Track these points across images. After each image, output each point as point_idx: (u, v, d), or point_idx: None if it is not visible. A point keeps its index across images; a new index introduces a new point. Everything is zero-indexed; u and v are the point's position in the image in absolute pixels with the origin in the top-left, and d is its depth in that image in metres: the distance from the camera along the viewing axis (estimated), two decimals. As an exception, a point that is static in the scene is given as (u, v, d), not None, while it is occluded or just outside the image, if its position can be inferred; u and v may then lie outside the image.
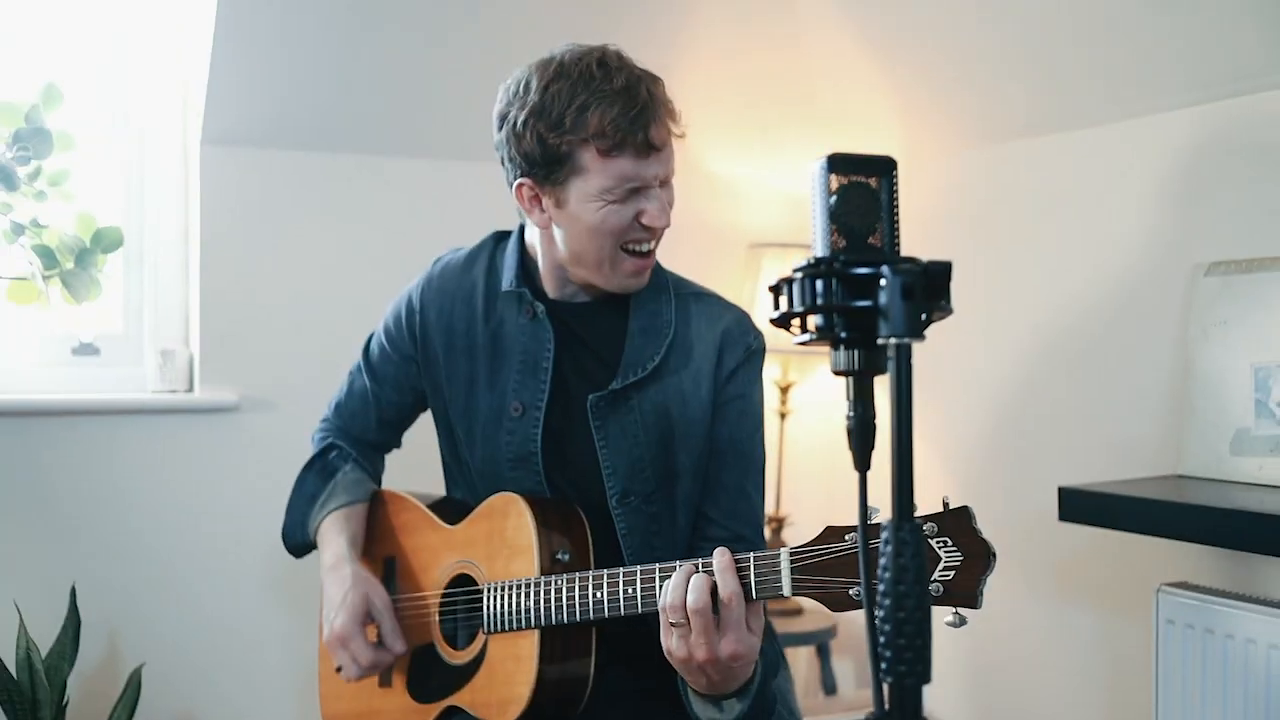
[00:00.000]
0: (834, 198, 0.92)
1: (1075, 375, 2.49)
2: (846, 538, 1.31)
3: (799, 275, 0.90)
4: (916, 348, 2.83)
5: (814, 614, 2.99)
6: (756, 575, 1.37)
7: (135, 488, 2.56)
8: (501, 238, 1.81)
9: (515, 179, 1.63)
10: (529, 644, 1.57)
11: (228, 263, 2.64)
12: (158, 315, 2.70)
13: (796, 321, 0.92)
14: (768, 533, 3.02)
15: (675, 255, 3.05)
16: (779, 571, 1.35)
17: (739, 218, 3.13)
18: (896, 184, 0.94)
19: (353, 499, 1.84)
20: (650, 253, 1.65)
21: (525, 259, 1.73)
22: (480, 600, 1.64)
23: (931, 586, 1.22)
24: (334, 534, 1.78)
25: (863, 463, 0.91)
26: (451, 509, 1.79)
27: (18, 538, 2.46)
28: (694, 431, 1.68)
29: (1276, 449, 2.02)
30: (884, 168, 0.93)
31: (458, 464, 1.82)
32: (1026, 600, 2.59)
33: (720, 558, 1.37)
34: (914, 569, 0.84)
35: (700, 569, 1.39)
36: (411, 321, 1.80)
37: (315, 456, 1.90)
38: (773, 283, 0.93)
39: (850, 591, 1.28)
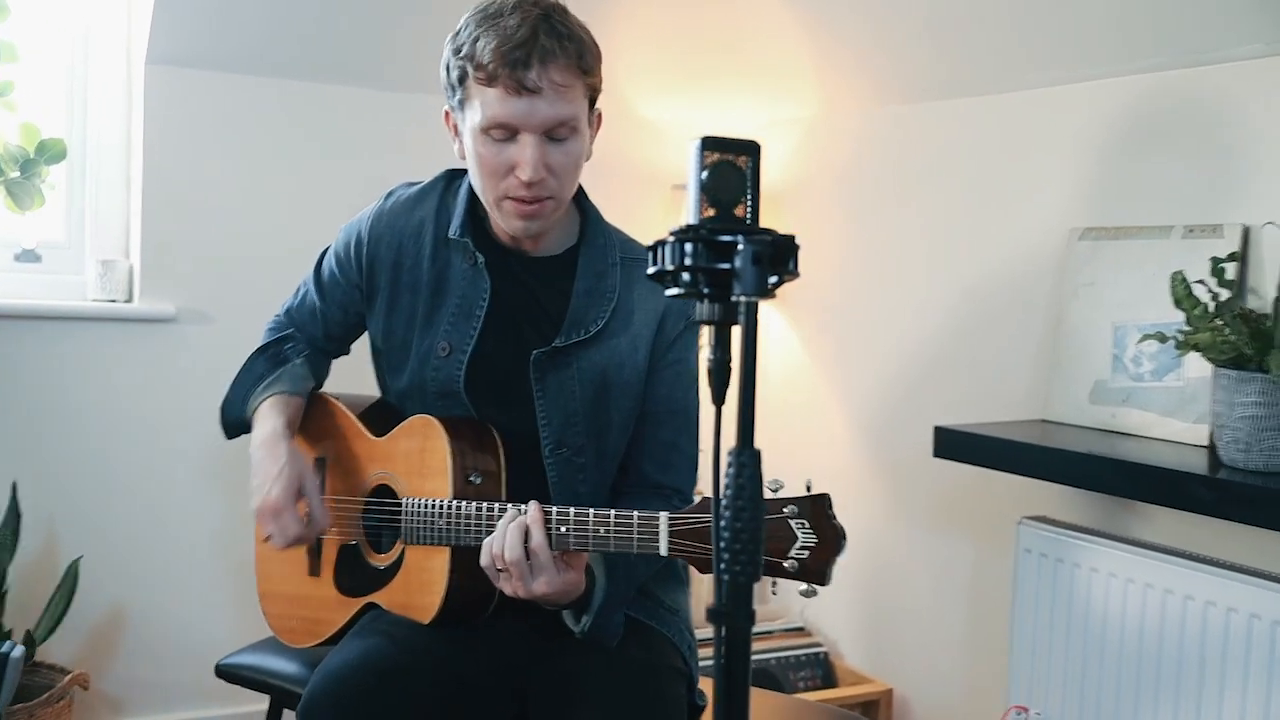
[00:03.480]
0: (705, 173, 1.08)
1: (963, 326, 2.70)
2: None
3: (672, 238, 1.07)
4: (823, 298, 3.10)
5: (716, 535, 3.21)
6: (639, 535, 1.52)
7: (75, 392, 2.68)
8: (454, 177, 1.87)
9: (445, 105, 1.74)
10: (442, 558, 1.71)
11: (169, 179, 2.74)
12: (99, 226, 2.80)
13: (670, 276, 1.08)
14: (677, 458, 3.22)
15: (602, 194, 3.21)
16: (657, 533, 1.50)
17: (663, 160, 3.27)
18: (759, 164, 1.10)
19: (295, 390, 1.92)
20: (533, 201, 1.69)
21: (476, 205, 1.80)
22: (399, 511, 1.79)
23: (787, 563, 1.38)
24: (272, 414, 1.86)
25: (719, 398, 1.07)
26: (381, 418, 1.90)
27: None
28: (628, 392, 1.79)
29: (1128, 399, 2.24)
30: (751, 149, 1.09)
31: (383, 388, 1.96)
32: (907, 526, 2.82)
33: (532, 510, 1.55)
34: (750, 487, 1.01)
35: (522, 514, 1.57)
36: (360, 252, 1.87)
37: (271, 342, 1.97)
38: (649, 243, 1.09)
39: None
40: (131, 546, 2.75)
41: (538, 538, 1.54)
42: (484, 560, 1.58)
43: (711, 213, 1.09)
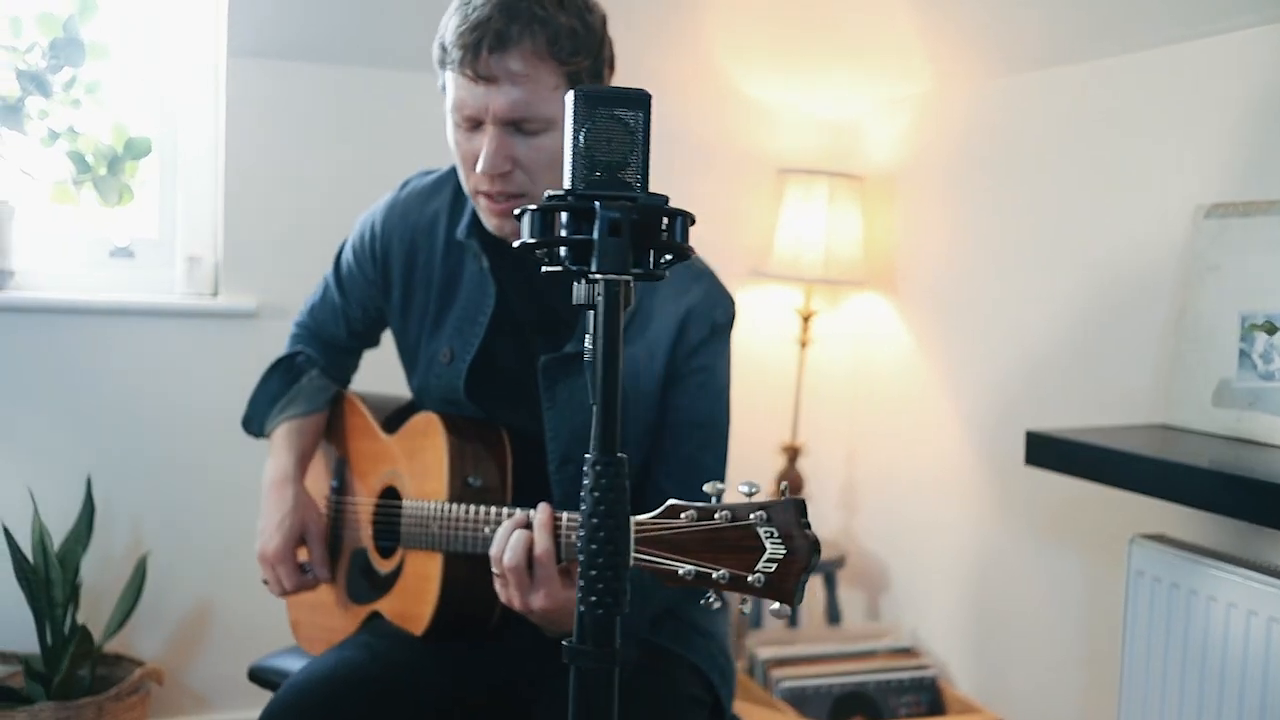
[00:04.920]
0: (584, 130, 0.92)
1: (1082, 318, 2.41)
2: (682, 515, 1.26)
3: (535, 207, 0.91)
4: (936, 286, 2.78)
5: (822, 544, 2.99)
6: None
7: (156, 387, 2.68)
8: None
9: None
10: (436, 565, 1.60)
11: (252, 173, 2.72)
12: (189, 222, 2.81)
13: (537, 251, 0.92)
14: (782, 462, 3.02)
15: (704, 178, 3.06)
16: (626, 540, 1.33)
17: (770, 141, 3.08)
18: (650, 119, 0.92)
19: (311, 408, 1.87)
20: (500, 197, 1.56)
21: None
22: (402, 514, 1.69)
23: (752, 577, 1.19)
24: (283, 448, 1.82)
25: (595, 396, 0.91)
26: (401, 415, 1.81)
27: (41, 428, 2.61)
28: (644, 403, 1.64)
29: (1255, 402, 1.94)
30: (639, 102, 0.92)
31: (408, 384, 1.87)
32: (1019, 537, 2.55)
33: (541, 513, 1.37)
34: (610, 501, 0.85)
35: (529, 523, 1.39)
36: (374, 246, 1.80)
37: (283, 358, 1.93)
38: (517, 210, 0.93)
39: (678, 571, 1.20)
40: (216, 541, 2.74)
41: (544, 544, 1.37)
42: (491, 553, 1.43)
43: (596, 176, 0.93)
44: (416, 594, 1.64)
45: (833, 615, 2.95)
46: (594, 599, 0.84)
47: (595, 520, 0.84)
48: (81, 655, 2.34)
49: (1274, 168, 2.00)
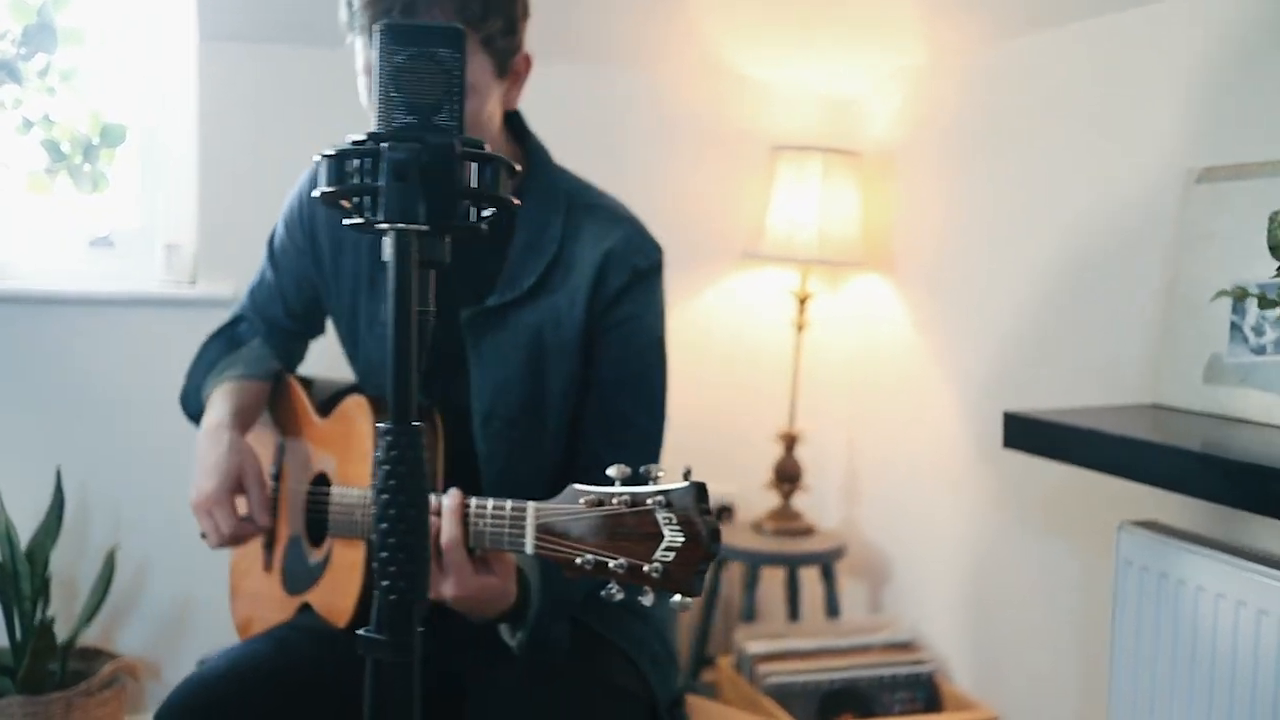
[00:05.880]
0: (393, 70, 0.84)
1: (1077, 294, 2.29)
2: (581, 500, 1.16)
3: (330, 153, 0.83)
4: (932, 264, 2.64)
5: (821, 535, 2.88)
6: (510, 529, 1.26)
7: (133, 377, 2.64)
8: None
9: None
10: (360, 555, 1.53)
11: (227, 159, 2.67)
12: (169, 210, 2.77)
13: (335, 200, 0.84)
14: (780, 451, 2.92)
15: (696, 156, 2.96)
16: (524, 527, 1.22)
17: (763, 118, 2.98)
18: (465, 58, 0.84)
19: (252, 372, 1.78)
20: None
21: None
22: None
23: (649, 567, 1.11)
24: (221, 400, 1.71)
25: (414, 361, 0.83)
26: (337, 400, 1.76)
27: (11, 420, 2.59)
28: (566, 352, 1.58)
29: (1247, 378, 1.81)
30: (450, 39, 0.83)
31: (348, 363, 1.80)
32: (1017, 524, 2.43)
33: (449, 499, 1.29)
34: (404, 475, 0.77)
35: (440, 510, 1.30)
36: (301, 214, 1.74)
37: (224, 326, 1.87)
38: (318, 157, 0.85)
39: (576, 560, 1.14)
40: (195, 534, 2.67)
41: (449, 532, 1.29)
42: None
43: (409, 120, 0.85)
44: (341, 585, 1.58)
45: (831, 608, 2.84)
46: (386, 584, 0.76)
47: (386, 496, 0.76)
48: (45, 649, 2.30)
49: (1268, 126, 1.87)
